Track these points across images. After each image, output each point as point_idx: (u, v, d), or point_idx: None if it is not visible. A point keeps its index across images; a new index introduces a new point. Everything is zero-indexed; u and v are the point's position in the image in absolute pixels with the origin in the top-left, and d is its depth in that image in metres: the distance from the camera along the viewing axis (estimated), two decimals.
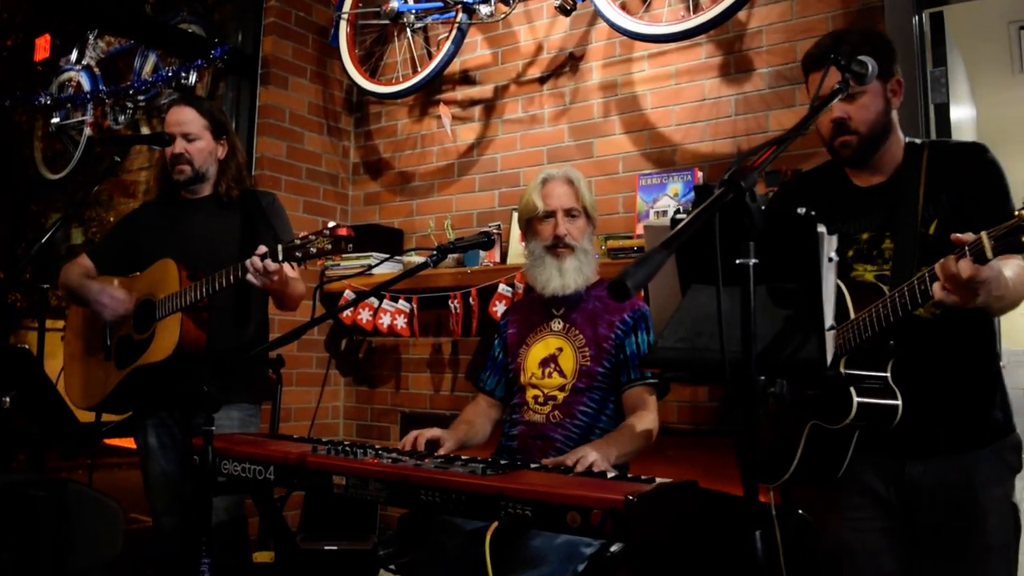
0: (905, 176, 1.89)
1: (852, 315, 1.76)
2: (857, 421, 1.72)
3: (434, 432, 2.25)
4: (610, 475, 1.86)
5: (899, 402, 1.72)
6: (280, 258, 2.28)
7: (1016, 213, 1.41)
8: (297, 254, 2.25)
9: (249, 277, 2.32)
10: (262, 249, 2.31)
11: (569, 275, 2.40)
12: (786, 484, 1.97)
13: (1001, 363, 1.93)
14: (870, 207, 1.93)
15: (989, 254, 1.45)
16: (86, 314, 2.73)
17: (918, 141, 1.94)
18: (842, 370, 1.75)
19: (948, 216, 1.79)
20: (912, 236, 1.81)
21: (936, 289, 1.57)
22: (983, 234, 1.46)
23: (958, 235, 1.50)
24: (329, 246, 2.19)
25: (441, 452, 2.19)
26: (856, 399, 1.70)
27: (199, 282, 2.43)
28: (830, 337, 1.36)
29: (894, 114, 1.92)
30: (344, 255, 3.16)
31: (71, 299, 2.76)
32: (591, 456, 1.94)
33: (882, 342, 1.72)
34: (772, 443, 1.99)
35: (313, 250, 2.22)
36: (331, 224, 2.23)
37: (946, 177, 1.84)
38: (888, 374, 1.74)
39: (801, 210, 1.35)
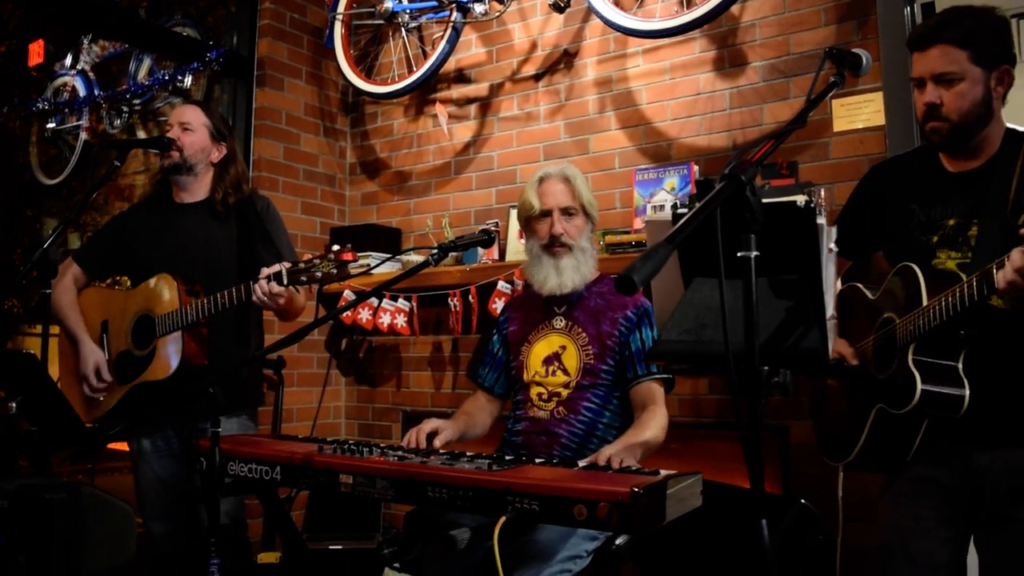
0: (1000, 163, 1.83)
1: (925, 302, 1.72)
2: (921, 408, 1.69)
3: (432, 424, 2.26)
4: (615, 468, 1.87)
5: (966, 392, 1.67)
6: (285, 282, 2.31)
7: None
8: (302, 278, 2.27)
9: (255, 300, 2.36)
10: (267, 272, 2.33)
11: (566, 274, 2.40)
12: (851, 465, 1.96)
13: None
14: (959, 193, 1.88)
15: None
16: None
17: (1021, 129, 1.88)
18: (910, 356, 1.72)
19: None
20: (999, 224, 1.74)
21: (1000, 278, 1.53)
22: None
23: None
24: (334, 270, 2.22)
25: (439, 440, 2.21)
26: (920, 386, 1.68)
27: (200, 301, 2.44)
28: (831, 327, 1.37)
29: (997, 103, 1.86)
30: None
31: (58, 324, 2.73)
32: (623, 456, 1.93)
33: (954, 331, 1.68)
34: (840, 423, 1.98)
35: (318, 274, 2.25)
36: (335, 247, 2.25)
37: None
38: (960, 364, 1.70)
39: (800, 202, 1.36)
